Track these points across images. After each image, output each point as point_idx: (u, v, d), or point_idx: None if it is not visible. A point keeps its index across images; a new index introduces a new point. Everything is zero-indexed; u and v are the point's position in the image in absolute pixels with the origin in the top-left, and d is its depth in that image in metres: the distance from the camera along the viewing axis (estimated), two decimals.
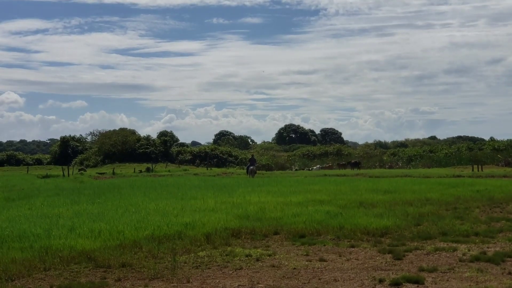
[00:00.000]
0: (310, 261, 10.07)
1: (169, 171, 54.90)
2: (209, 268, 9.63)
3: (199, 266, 9.78)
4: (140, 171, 54.61)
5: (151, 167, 58.35)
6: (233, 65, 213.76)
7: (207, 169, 58.14)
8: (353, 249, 11.14)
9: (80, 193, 23.91)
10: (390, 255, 10.40)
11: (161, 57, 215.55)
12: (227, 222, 13.56)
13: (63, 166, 56.39)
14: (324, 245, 11.48)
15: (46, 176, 46.28)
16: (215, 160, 74.05)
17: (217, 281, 8.83)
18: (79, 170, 59.84)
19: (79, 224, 13.36)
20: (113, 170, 55.07)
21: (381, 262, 9.88)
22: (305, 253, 10.72)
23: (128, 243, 11.23)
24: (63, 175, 47.80)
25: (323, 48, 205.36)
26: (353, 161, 58.42)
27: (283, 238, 12.34)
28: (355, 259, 10.22)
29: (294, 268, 9.52)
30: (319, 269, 9.45)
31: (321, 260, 10.09)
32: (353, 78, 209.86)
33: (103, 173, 51.25)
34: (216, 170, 56.31)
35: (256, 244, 11.77)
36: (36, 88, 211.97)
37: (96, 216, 15.08)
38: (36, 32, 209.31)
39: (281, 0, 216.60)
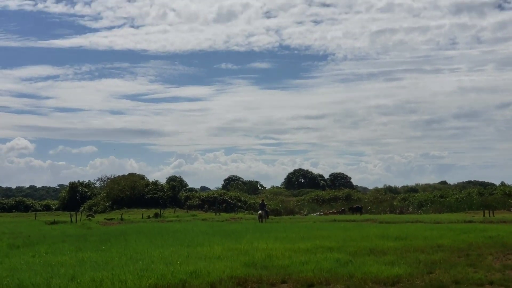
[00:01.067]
0: None
1: (177, 216, 54.61)
2: None
3: None
4: (148, 217, 54.31)
5: (159, 213, 58.11)
6: (242, 110, 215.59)
7: (215, 214, 57.78)
8: None
9: (86, 240, 23.63)
10: None
11: (170, 102, 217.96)
12: (233, 270, 13.20)
13: (71, 212, 56.19)
14: None
15: (54, 223, 46.03)
16: (224, 205, 73.60)
17: None
18: (87, 216, 59.67)
19: (81, 272, 13.06)
20: (121, 216, 54.86)
21: None
22: None
23: None
24: (71, 221, 47.55)
25: (332, 93, 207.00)
26: (354, 206, 57.77)
27: None
28: None
29: None
30: None
31: None
32: (362, 123, 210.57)
33: (111, 219, 51.00)
34: (225, 215, 55.92)
35: None
36: (46, 134, 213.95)
37: (99, 264, 14.78)
38: (47, 78, 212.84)
39: (289, 45, 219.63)
